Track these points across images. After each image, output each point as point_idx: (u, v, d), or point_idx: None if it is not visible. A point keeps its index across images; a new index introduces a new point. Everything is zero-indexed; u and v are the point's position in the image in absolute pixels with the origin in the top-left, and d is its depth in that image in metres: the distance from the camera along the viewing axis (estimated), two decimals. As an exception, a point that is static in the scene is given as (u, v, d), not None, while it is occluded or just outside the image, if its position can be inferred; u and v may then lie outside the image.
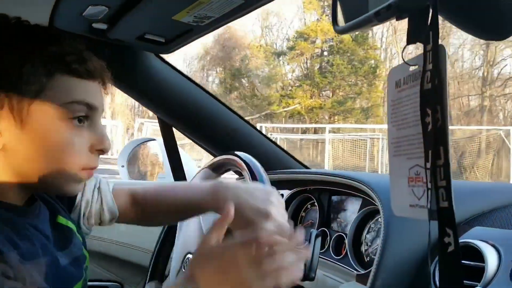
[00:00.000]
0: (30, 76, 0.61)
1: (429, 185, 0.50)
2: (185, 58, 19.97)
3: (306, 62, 19.76)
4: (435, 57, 0.51)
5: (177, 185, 0.83)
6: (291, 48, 19.51)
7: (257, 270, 0.58)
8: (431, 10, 0.54)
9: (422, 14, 0.55)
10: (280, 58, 20.30)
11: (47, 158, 0.63)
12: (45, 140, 0.62)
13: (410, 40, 0.57)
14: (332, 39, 18.35)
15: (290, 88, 19.65)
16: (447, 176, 0.48)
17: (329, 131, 14.31)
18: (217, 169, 0.98)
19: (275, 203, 0.72)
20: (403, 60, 0.59)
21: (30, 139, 0.62)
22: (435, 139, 0.49)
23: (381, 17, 0.58)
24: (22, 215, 0.65)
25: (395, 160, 0.58)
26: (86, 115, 0.65)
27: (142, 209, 0.86)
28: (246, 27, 19.81)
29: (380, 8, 0.57)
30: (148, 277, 1.20)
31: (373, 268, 0.88)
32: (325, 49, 19.37)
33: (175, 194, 0.83)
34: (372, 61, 18.77)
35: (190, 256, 0.98)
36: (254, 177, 0.83)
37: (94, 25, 1.05)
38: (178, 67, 1.40)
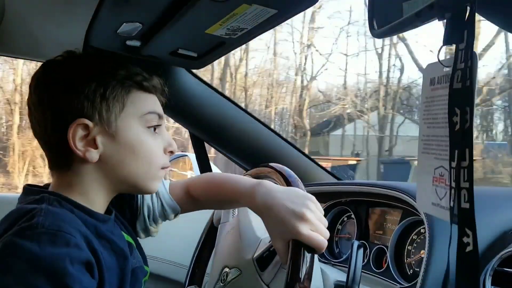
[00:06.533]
0: (113, 96, 0.73)
1: (453, 185, 0.50)
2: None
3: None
4: (467, 57, 0.51)
5: (228, 178, 0.89)
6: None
7: None
8: (468, 9, 0.53)
9: (462, 14, 0.54)
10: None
11: (135, 162, 0.75)
12: (133, 147, 0.74)
13: (447, 41, 0.56)
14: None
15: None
16: (470, 177, 0.48)
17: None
18: (256, 178, 0.97)
19: (312, 208, 0.73)
20: (438, 60, 0.58)
21: (121, 148, 0.74)
22: (462, 140, 0.49)
23: (422, 17, 0.57)
24: (103, 221, 0.74)
25: (423, 157, 0.58)
26: (157, 124, 0.77)
27: (196, 199, 0.94)
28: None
29: (422, 8, 0.56)
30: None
31: (419, 280, 0.84)
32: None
33: (224, 186, 0.89)
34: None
35: (227, 269, 0.97)
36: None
37: (128, 42, 1.06)
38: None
